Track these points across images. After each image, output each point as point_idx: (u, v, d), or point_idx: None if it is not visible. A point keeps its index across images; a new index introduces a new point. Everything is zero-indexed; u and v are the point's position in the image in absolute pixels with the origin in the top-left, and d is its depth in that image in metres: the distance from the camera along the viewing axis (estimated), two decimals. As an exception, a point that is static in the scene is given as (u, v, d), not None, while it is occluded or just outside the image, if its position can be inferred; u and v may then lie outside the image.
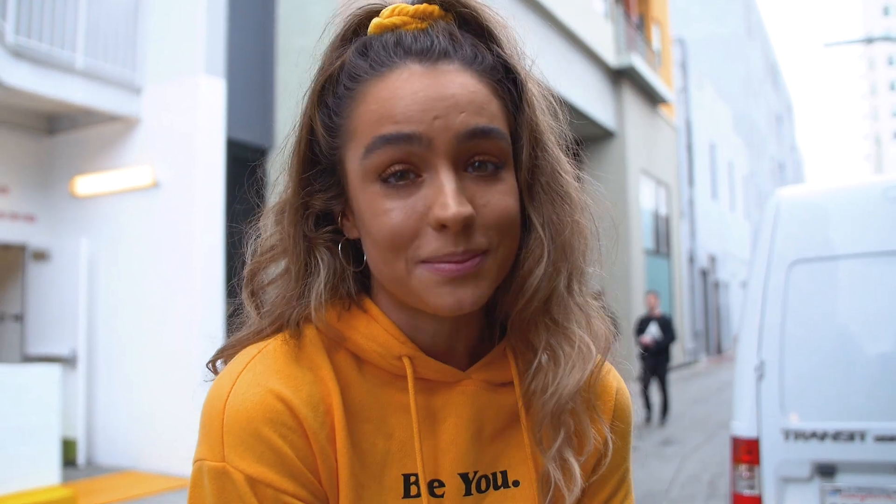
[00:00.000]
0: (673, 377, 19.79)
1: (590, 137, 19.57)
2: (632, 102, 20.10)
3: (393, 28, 0.85)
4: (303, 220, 0.90)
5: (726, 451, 6.64)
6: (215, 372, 0.93)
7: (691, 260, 26.46)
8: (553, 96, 0.95)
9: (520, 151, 0.87)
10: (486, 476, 0.90)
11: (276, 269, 0.93)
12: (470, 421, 0.90)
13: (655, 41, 23.59)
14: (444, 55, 0.83)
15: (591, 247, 0.93)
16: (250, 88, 9.62)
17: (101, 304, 8.85)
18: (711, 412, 13.86)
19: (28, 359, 9.06)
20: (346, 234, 0.91)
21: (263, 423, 0.80)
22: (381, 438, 0.87)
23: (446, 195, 0.78)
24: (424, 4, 0.86)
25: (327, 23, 0.92)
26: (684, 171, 25.87)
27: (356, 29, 0.89)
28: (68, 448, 8.31)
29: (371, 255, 0.85)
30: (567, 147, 0.95)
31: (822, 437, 3.61)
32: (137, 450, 8.20)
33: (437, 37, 0.84)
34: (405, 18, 0.85)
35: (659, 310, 13.05)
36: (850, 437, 3.57)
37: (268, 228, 0.93)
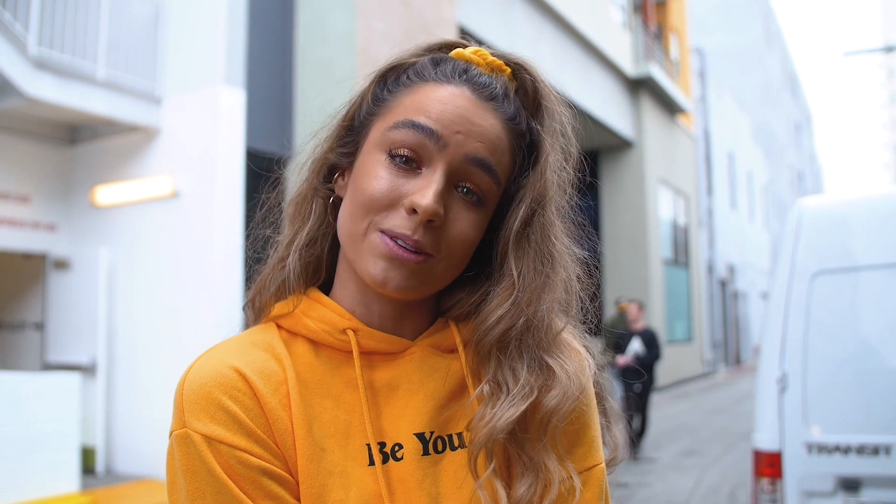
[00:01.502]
0: (691, 388, 19.70)
1: (608, 147, 19.54)
2: (650, 112, 20.05)
3: (467, 61, 0.99)
4: (321, 170, 1.03)
5: (746, 463, 6.58)
6: None
7: (710, 270, 26.32)
8: (571, 174, 1.06)
9: (519, 206, 0.98)
10: (441, 437, 0.96)
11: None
12: (420, 384, 0.96)
13: (674, 51, 23.53)
14: (492, 98, 0.96)
15: (559, 303, 0.99)
16: (269, 98, 9.66)
17: (121, 312, 8.90)
18: (731, 423, 13.75)
19: (48, 367, 9.12)
20: (336, 191, 1.02)
21: (216, 388, 0.88)
22: (343, 412, 0.93)
23: (431, 189, 0.89)
24: (501, 61, 1.01)
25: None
26: (703, 181, 25.77)
27: (439, 50, 1.03)
28: (87, 456, 8.35)
29: (345, 211, 0.96)
30: (567, 217, 1.05)
31: (846, 450, 3.57)
32: (156, 458, 8.22)
33: (495, 84, 0.97)
34: (480, 61, 0.99)
35: (643, 322, 10.96)
36: (875, 450, 3.53)
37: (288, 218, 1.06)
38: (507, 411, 0.91)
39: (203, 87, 8.53)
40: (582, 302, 1.05)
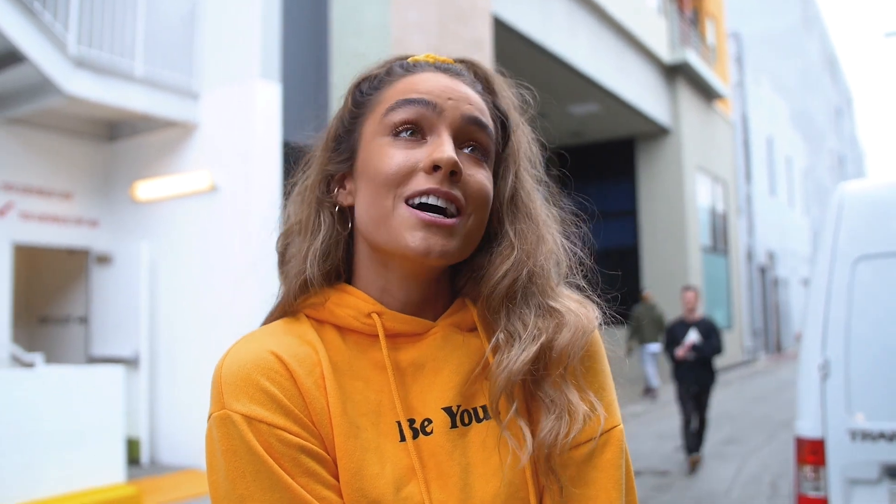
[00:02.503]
0: (731, 376, 19.50)
1: (644, 135, 19.39)
2: (687, 98, 19.85)
3: (425, 60, 1.08)
4: (320, 184, 1.08)
5: (788, 452, 6.51)
6: None
7: (749, 257, 26.03)
8: (539, 149, 1.16)
9: (506, 175, 1.08)
10: (467, 410, 1.00)
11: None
12: (444, 361, 1.01)
13: (710, 36, 23.26)
14: (461, 74, 1.06)
15: (554, 256, 1.07)
16: (305, 92, 9.71)
17: (162, 306, 9.02)
18: (772, 411, 13.61)
19: (92, 360, 9.27)
20: (340, 201, 1.07)
21: (254, 370, 0.92)
22: (373, 393, 0.98)
23: (444, 144, 0.96)
24: (450, 59, 1.10)
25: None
26: (741, 167, 25.47)
27: (398, 59, 1.11)
28: (132, 447, 8.49)
29: (362, 202, 1.01)
30: (541, 181, 1.15)
31: (892, 437, 3.53)
32: (200, 449, 8.26)
33: (459, 68, 1.08)
34: (433, 59, 1.08)
35: (700, 312, 9.74)
36: (920, 437, 3.48)
37: (295, 207, 1.11)
38: (522, 354, 0.97)
39: (239, 81, 8.60)
40: (572, 257, 1.12)
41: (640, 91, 17.32)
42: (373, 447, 0.94)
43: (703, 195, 20.96)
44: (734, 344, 22.53)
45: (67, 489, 6.36)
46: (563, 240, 1.11)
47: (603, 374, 1.06)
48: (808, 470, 3.69)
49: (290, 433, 0.90)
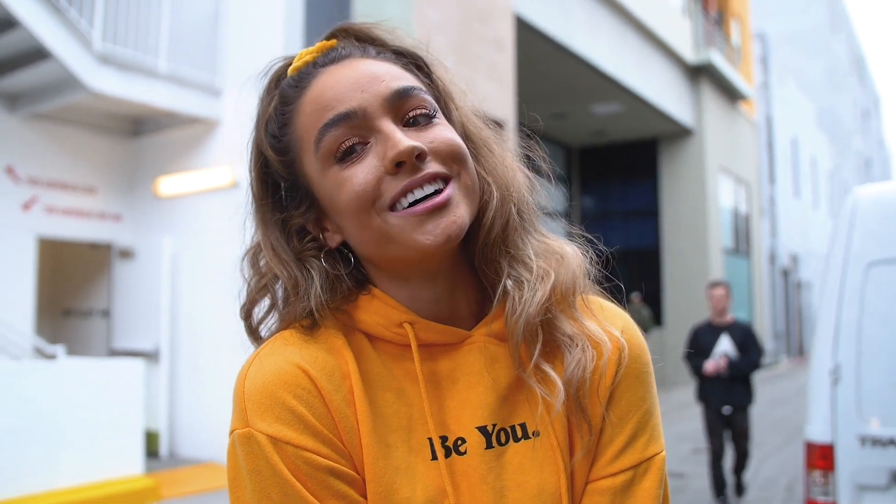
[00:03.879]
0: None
1: (667, 135, 19.30)
2: (710, 99, 19.74)
3: (306, 60, 0.99)
4: (285, 240, 0.99)
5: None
6: None
7: (772, 259, 25.85)
8: (457, 76, 1.07)
9: (449, 114, 1.00)
10: (504, 429, 0.94)
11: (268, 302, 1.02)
12: (480, 376, 0.95)
13: (735, 36, 23.11)
14: (350, 55, 0.97)
15: (526, 183, 1.03)
16: (326, 90, 9.76)
17: (183, 300, 9.12)
18: (791, 415, 13.53)
19: (114, 353, 9.39)
20: (329, 243, 0.99)
21: (280, 388, 0.87)
22: (404, 406, 0.93)
23: (394, 138, 0.89)
24: (323, 41, 1.01)
25: (252, 84, 1.06)
26: (765, 168, 25.29)
27: (279, 79, 1.02)
28: (151, 440, 8.58)
29: (352, 234, 0.94)
30: (487, 121, 1.06)
31: (899, 443, 3.52)
32: (218, 442, 8.40)
33: (341, 48, 0.99)
34: (313, 54, 0.99)
35: (731, 314, 7.51)
36: (929, 443, 3.47)
37: (247, 273, 1.04)
38: (536, 295, 0.93)
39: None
40: (538, 188, 1.07)
41: (663, 91, 17.25)
42: (404, 467, 0.89)
43: (725, 196, 20.84)
44: (761, 339, 22.36)
45: (87, 480, 6.45)
46: (525, 169, 1.06)
47: (650, 398, 1.00)
48: (817, 475, 3.69)
49: (319, 454, 0.85)
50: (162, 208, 9.43)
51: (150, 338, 9.11)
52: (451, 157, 0.92)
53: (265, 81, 1.03)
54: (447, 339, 0.96)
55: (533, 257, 0.97)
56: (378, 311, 0.95)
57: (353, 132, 0.90)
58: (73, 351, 8.92)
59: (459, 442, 0.92)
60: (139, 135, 9.70)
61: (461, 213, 0.90)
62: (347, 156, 0.91)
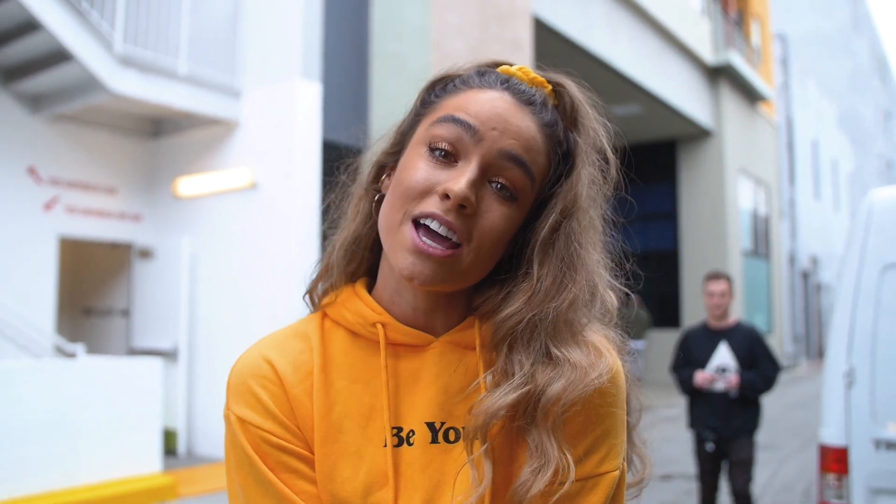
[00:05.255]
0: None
1: (686, 136, 19.22)
2: (730, 100, 19.65)
3: (511, 75, 1.06)
4: (371, 171, 1.12)
5: (821, 459, 6.45)
6: None
7: (791, 261, 25.70)
8: (607, 190, 1.10)
9: (550, 213, 1.02)
10: (454, 428, 1.01)
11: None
12: (437, 376, 1.03)
13: (755, 37, 22.98)
14: (529, 104, 1.02)
15: (583, 304, 1.01)
16: (345, 91, 9.81)
17: (202, 300, 9.19)
18: (810, 418, 13.42)
19: (133, 352, 9.47)
20: (382, 190, 1.09)
21: (249, 377, 1.02)
22: (369, 396, 1.02)
23: (464, 177, 0.95)
24: (544, 79, 1.07)
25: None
26: (785, 170, 25.15)
27: (489, 66, 1.10)
28: (169, 438, 8.66)
29: (385, 204, 1.03)
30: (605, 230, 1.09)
31: (913, 448, 3.51)
32: (234, 442, 8.46)
33: (534, 93, 1.04)
34: (523, 76, 1.06)
35: (734, 316, 5.97)
36: (943, 448, 3.46)
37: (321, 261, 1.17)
38: (505, 398, 0.94)
39: (280, 80, 8.73)
40: (611, 306, 1.08)
41: (682, 92, 17.19)
42: (352, 451, 0.99)
43: (745, 198, 20.74)
44: (774, 349, 22.26)
45: (105, 477, 6.52)
46: (603, 290, 1.06)
47: (611, 418, 1.00)
48: (831, 478, 3.68)
49: (274, 435, 0.99)
50: (181, 209, 9.51)
51: (168, 337, 9.18)
52: (480, 234, 0.97)
53: (480, 61, 1.11)
54: (414, 341, 1.04)
55: (529, 363, 0.97)
56: (356, 310, 1.06)
57: (457, 142, 0.98)
58: (92, 349, 9.00)
59: (411, 434, 1.01)
60: (159, 136, 9.78)
61: (439, 277, 0.96)
62: (437, 151, 0.99)
